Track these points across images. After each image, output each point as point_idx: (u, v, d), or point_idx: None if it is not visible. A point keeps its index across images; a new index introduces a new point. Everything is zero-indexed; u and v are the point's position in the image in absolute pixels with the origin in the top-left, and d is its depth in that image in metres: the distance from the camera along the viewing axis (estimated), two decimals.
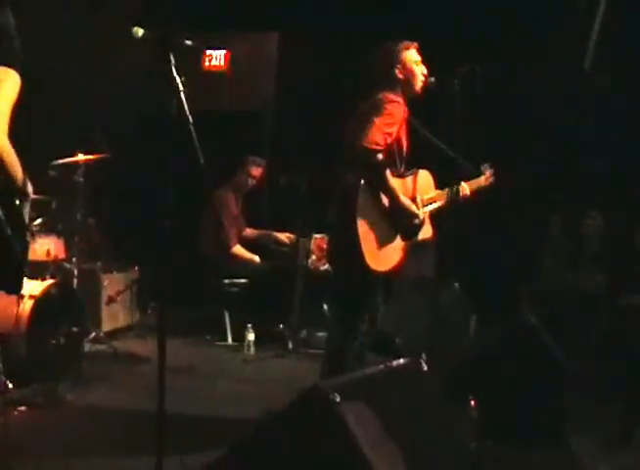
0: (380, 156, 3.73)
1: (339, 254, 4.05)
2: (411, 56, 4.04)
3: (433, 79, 4.05)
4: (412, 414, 2.68)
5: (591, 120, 6.87)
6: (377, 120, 3.73)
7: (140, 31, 3.08)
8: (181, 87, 2.99)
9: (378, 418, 2.45)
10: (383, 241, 3.84)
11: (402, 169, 4.02)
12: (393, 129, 3.81)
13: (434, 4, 6.86)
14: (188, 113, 2.98)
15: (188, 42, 3.10)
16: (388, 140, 3.77)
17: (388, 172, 3.79)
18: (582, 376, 4.35)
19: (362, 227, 3.73)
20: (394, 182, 3.86)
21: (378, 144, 3.69)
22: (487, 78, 4.04)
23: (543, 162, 6.97)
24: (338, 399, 2.33)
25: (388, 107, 3.81)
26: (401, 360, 2.83)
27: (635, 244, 5.98)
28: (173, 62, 3.01)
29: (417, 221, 3.97)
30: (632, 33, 6.48)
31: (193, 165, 3.09)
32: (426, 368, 2.88)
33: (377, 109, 3.80)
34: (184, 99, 3.00)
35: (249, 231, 6.82)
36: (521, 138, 6.96)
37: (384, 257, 3.84)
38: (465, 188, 4.24)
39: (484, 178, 4.46)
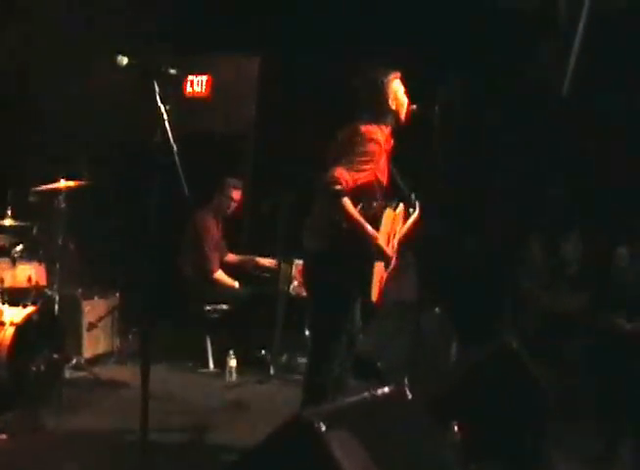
0: (338, 187, 3.69)
1: (312, 279, 4.07)
2: (399, 86, 4.06)
3: (414, 107, 4.08)
4: (397, 442, 2.68)
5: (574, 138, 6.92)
6: (352, 159, 3.77)
7: (124, 60, 3.10)
8: (165, 116, 3.02)
9: (363, 447, 2.44)
10: None
11: (381, 201, 4.01)
12: (368, 166, 3.83)
13: (417, 27, 6.91)
14: (172, 141, 3.00)
15: (172, 71, 3.12)
16: (360, 176, 3.78)
17: (347, 201, 3.74)
18: (565, 395, 4.36)
19: None
20: (388, 215, 3.93)
21: (343, 179, 3.69)
22: (471, 96, 4.08)
23: (524, 181, 7.03)
24: (323, 428, 2.33)
25: (369, 145, 3.83)
26: (385, 389, 2.83)
27: (615, 264, 6.03)
28: (158, 90, 3.03)
29: (387, 253, 3.95)
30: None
31: (176, 191, 3.11)
32: (410, 396, 2.88)
33: (356, 145, 3.83)
34: (168, 127, 3.02)
35: (231, 256, 6.79)
36: (503, 156, 7.02)
37: None
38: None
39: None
